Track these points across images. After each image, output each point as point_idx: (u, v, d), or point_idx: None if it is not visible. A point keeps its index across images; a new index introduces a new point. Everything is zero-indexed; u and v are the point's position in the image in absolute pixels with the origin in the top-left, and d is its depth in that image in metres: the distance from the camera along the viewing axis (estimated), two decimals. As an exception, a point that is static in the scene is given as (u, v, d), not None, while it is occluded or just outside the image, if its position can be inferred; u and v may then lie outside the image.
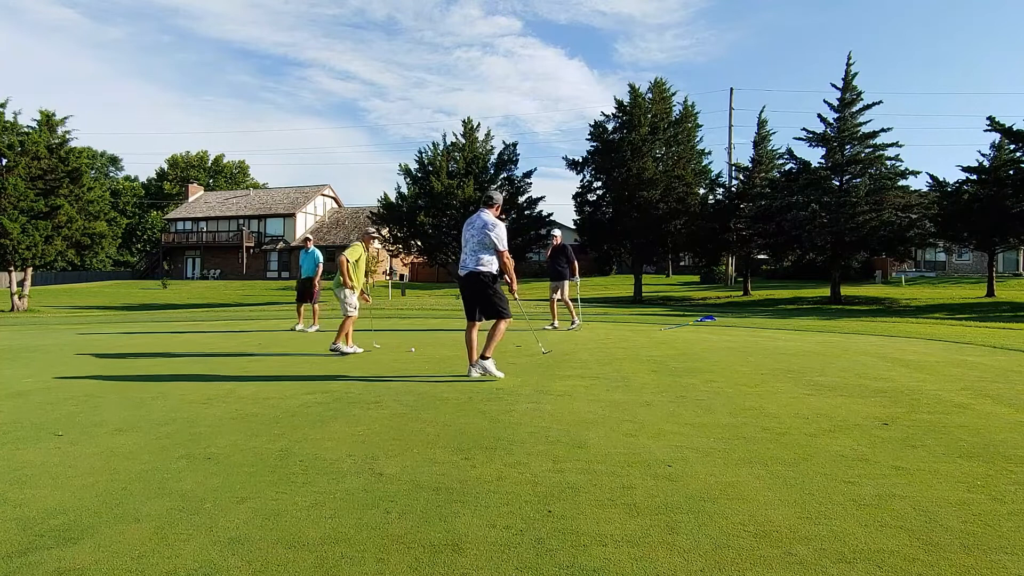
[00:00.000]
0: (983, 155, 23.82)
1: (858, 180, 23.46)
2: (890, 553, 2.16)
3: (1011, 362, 6.87)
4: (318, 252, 11.69)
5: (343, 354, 7.49)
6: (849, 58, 23.50)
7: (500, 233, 5.64)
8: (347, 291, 7.86)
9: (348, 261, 7.74)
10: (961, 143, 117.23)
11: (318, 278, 11.58)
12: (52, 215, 21.49)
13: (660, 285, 36.49)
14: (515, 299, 5.82)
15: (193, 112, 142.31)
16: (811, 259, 26.85)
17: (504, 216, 6.64)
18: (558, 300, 11.02)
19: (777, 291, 29.48)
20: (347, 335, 7.74)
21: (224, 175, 78.57)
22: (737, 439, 3.60)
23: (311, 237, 11.58)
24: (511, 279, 5.63)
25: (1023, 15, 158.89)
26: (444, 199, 27.76)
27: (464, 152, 29.39)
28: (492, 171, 29.85)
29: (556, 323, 11.04)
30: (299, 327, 11.16)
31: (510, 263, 5.73)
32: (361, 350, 7.83)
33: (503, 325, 5.66)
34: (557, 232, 11.32)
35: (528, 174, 30.10)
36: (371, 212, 32.17)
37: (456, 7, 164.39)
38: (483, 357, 5.63)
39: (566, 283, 10.90)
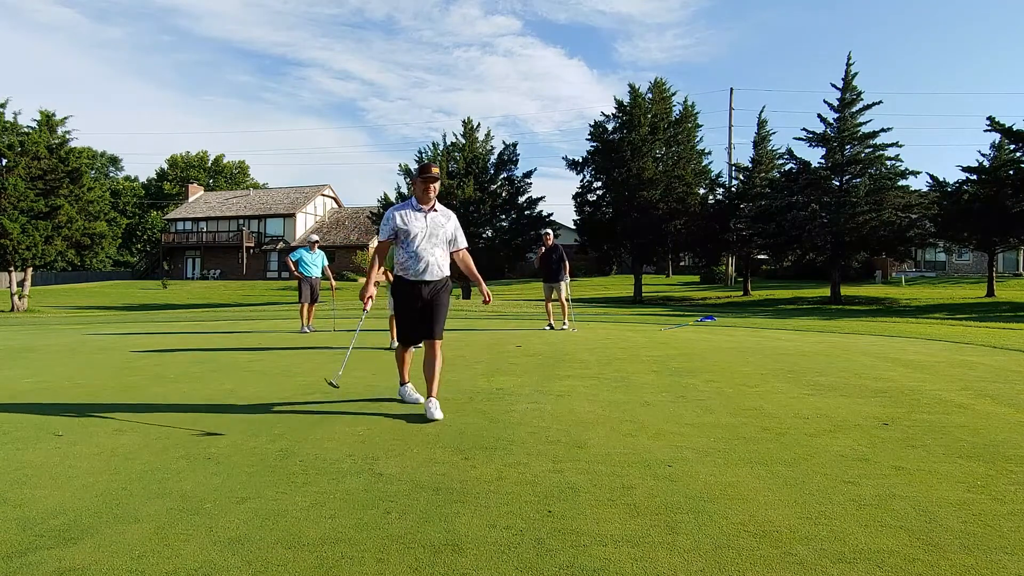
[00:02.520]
0: (983, 155, 23.85)
1: (858, 180, 23.48)
2: (890, 553, 2.16)
3: (1011, 362, 6.86)
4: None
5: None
6: (849, 58, 23.58)
7: (382, 223, 4.38)
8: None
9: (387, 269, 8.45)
10: (961, 143, 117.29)
11: (332, 281, 11.83)
12: (52, 215, 21.51)
13: (660, 285, 36.47)
14: (388, 309, 4.54)
15: (193, 112, 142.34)
16: (811, 259, 26.86)
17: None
18: (554, 300, 11.04)
19: (777, 291, 29.47)
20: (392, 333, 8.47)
21: (224, 175, 78.51)
22: (737, 439, 3.59)
23: (318, 239, 11.85)
24: (367, 279, 4.37)
25: (1023, 15, 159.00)
26: (444, 199, 27.80)
27: (464, 152, 29.40)
28: (492, 171, 29.84)
29: (553, 323, 11.04)
30: (308, 328, 11.23)
31: (372, 255, 4.47)
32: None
33: (397, 349, 4.65)
34: (549, 232, 11.37)
35: (528, 174, 30.16)
36: (371, 212, 32.16)
37: (455, 7, 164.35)
38: (401, 382, 4.71)
39: (562, 284, 10.92)
